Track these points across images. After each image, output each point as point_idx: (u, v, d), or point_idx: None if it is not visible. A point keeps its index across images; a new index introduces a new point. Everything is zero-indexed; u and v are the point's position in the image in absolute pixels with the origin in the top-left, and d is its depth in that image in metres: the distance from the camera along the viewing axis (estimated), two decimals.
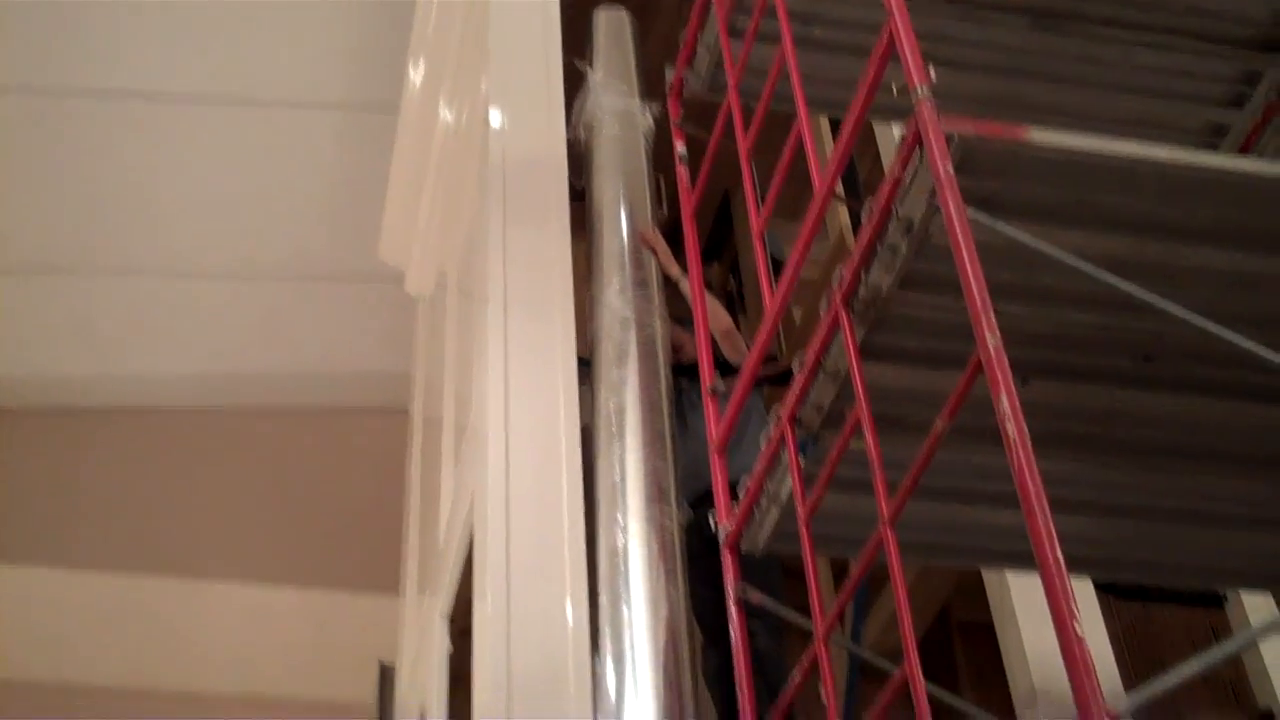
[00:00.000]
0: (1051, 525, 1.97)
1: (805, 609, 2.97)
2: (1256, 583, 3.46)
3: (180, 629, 7.94)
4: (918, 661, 2.36)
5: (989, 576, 3.79)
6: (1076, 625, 1.90)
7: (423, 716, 5.03)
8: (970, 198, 2.41)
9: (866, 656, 4.18)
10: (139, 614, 7.91)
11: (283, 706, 7.82)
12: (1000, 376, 2.17)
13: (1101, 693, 1.84)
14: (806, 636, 2.91)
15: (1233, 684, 4.81)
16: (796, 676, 2.92)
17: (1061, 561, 1.94)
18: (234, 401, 8.32)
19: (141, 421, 8.22)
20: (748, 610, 3.32)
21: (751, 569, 3.39)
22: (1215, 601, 4.29)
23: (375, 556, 7.16)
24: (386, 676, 6.15)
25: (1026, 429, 2.12)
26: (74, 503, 8.02)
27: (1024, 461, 2.06)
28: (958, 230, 2.35)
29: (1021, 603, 3.61)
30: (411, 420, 6.85)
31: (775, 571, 4.20)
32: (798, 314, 5.93)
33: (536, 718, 3.63)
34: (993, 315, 2.26)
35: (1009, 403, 2.15)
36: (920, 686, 2.33)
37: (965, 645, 5.37)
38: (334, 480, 8.07)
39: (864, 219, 2.67)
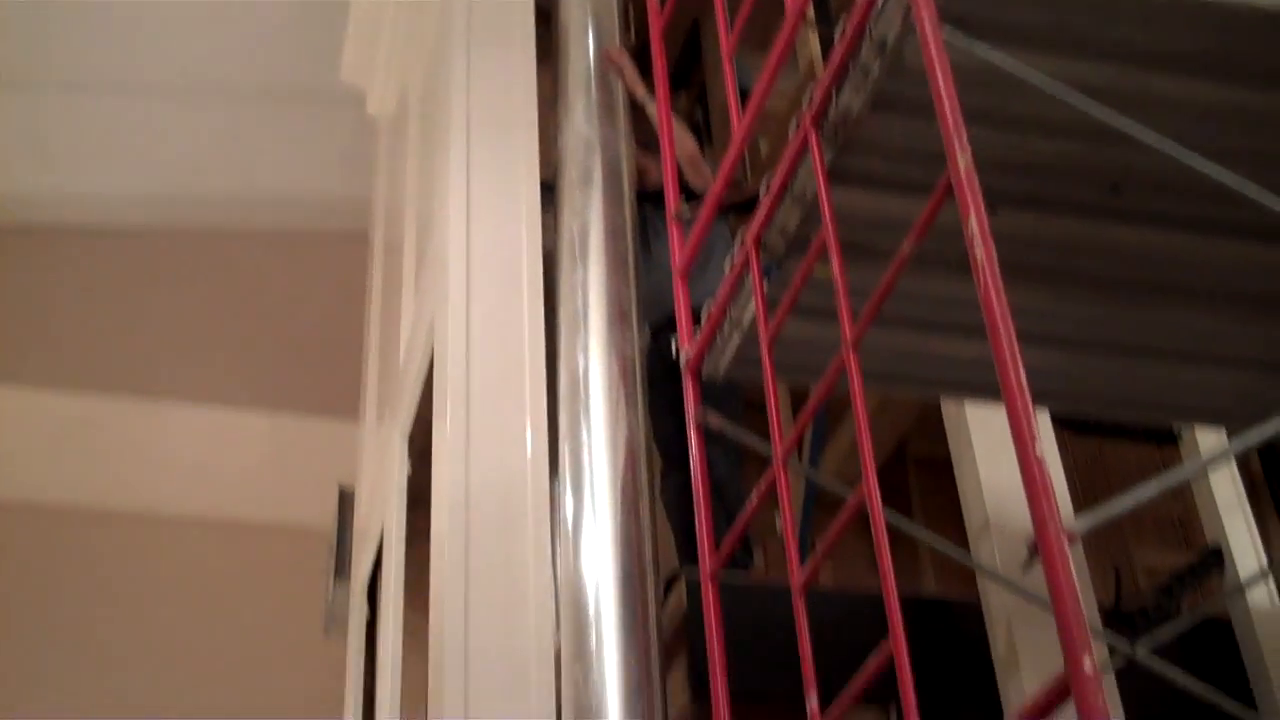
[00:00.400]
0: (1015, 344, 1.96)
1: (765, 439, 2.98)
2: (1211, 418, 3.48)
3: (139, 450, 7.95)
4: (876, 483, 2.37)
5: (948, 409, 3.81)
6: (1037, 446, 1.90)
7: (382, 538, 5.07)
8: (946, 17, 2.36)
9: (823, 483, 4.21)
10: (97, 434, 7.90)
11: (242, 529, 7.87)
12: (970, 197, 2.14)
13: (1058, 513, 1.85)
14: (765, 465, 2.93)
15: (1181, 522, 4.89)
16: (754, 499, 2.94)
17: (1024, 381, 1.94)
18: (194, 223, 8.23)
19: (100, 241, 8.13)
20: (707, 437, 3.33)
21: (712, 398, 3.39)
22: (1169, 438, 4.34)
23: (336, 380, 7.15)
24: (346, 500, 6.18)
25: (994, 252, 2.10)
26: (30, 321, 7.95)
27: (990, 283, 2.05)
28: (932, 50, 2.31)
29: (979, 435, 3.64)
30: (372, 244, 6.80)
31: (736, 402, 4.20)
32: (764, 147, 5.87)
33: (495, 539, 3.67)
34: (965, 136, 2.22)
35: (978, 225, 2.12)
36: (877, 507, 2.34)
37: (921, 480, 5.42)
38: (295, 304, 8.03)
39: (837, 39, 2.61)
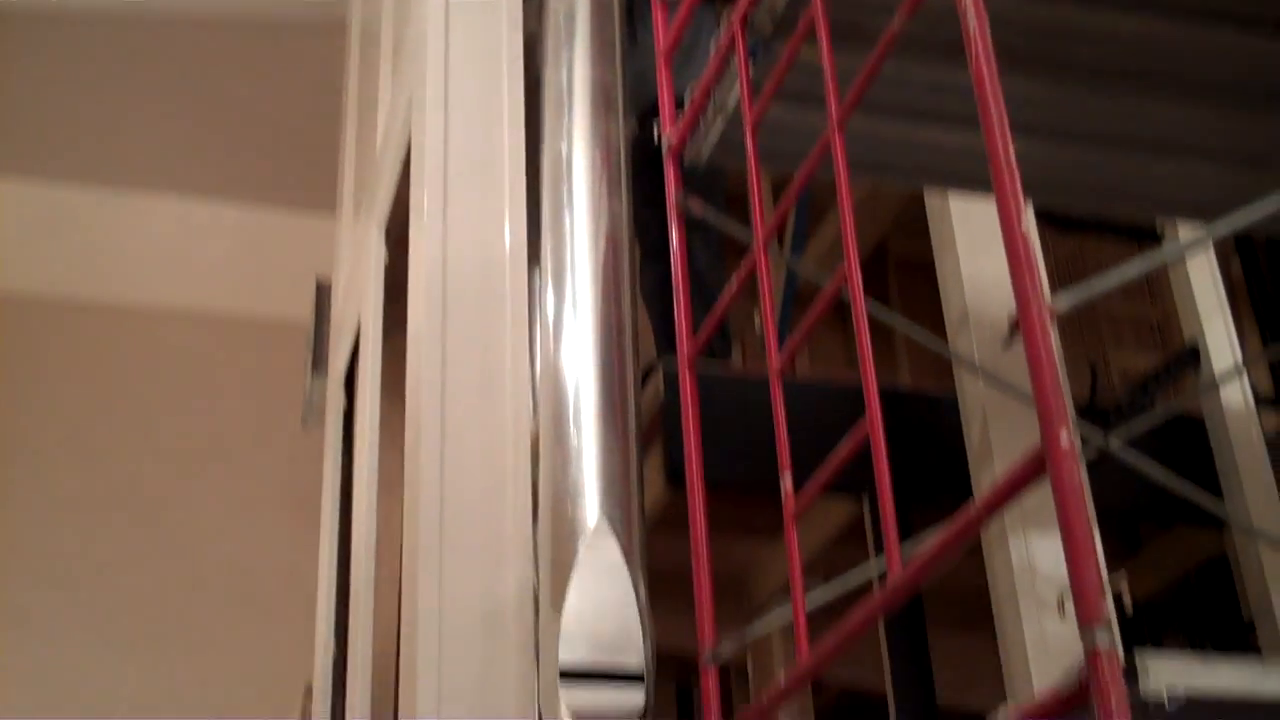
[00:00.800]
0: (1004, 115, 1.93)
1: (747, 228, 2.95)
2: (1194, 213, 3.46)
3: (116, 241, 7.90)
4: (857, 264, 2.35)
5: (930, 201, 3.78)
6: (1023, 221, 1.88)
7: (359, 330, 5.06)
8: None
9: (804, 273, 4.20)
10: (72, 225, 7.84)
11: (219, 322, 7.87)
12: None
13: (1041, 285, 1.84)
14: (744, 254, 2.90)
15: (1159, 326, 4.90)
16: (734, 283, 2.92)
17: (1012, 153, 1.90)
18: (169, 9, 8.04)
19: (71, 27, 7.94)
20: (688, 227, 3.30)
21: (694, 187, 3.35)
22: (1151, 236, 4.32)
23: (313, 174, 7.09)
24: (323, 293, 6.17)
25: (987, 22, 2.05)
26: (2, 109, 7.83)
27: (981, 53, 2.00)
28: None
29: (961, 228, 3.61)
30: (349, 31, 6.66)
31: (718, 195, 4.16)
32: None
33: (472, 328, 3.66)
34: None
35: None
36: (858, 287, 2.33)
37: (900, 282, 5.42)
38: (272, 94, 7.90)
39: None
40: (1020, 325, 1.84)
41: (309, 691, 5.80)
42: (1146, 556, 4.12)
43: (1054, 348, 1.82)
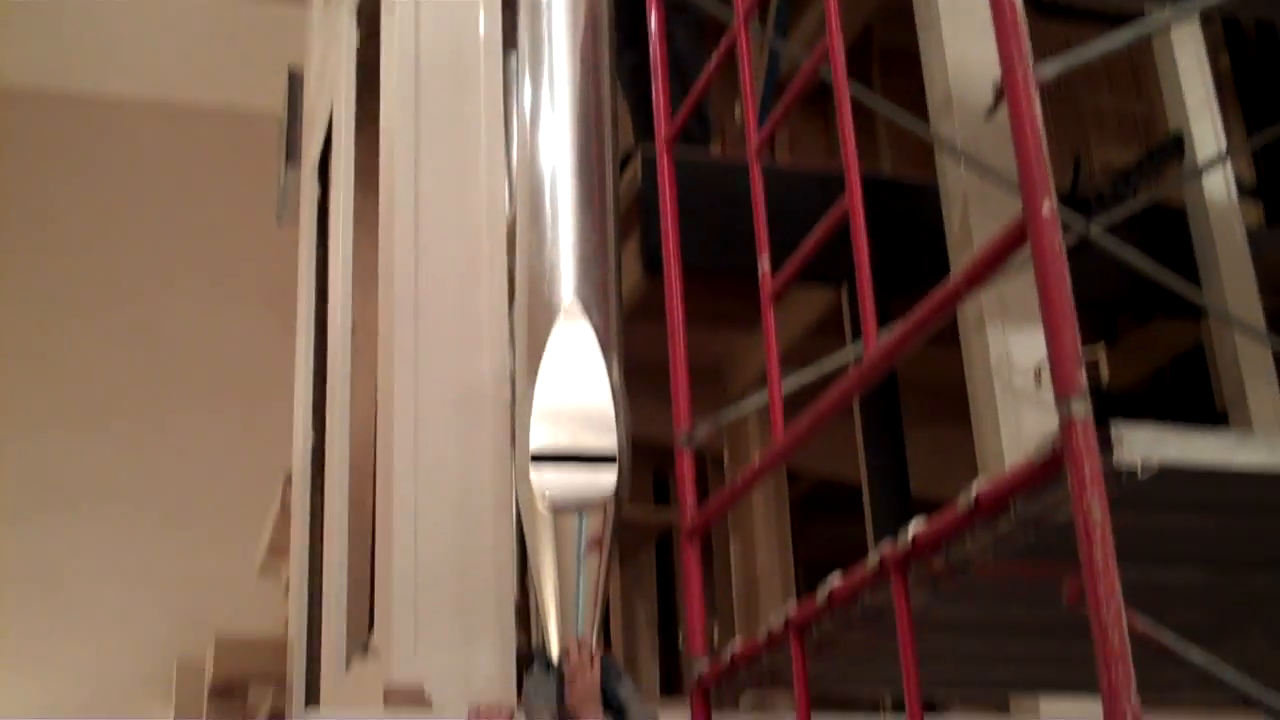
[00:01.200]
0: None
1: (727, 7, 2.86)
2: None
3: (84, 31, 7.72)
4: (840, 38, 2.29)
5: None
6: None
7: (331, 118, 4.98)
8: None
9: (786, 54, 4.13)
10: (38, 15, 7.66)
11: (191, 113, 7.74)
12: None
13: (1027, 54, 1.78)
14: (729, 44, 2.82)
15: (1144, 121, 4.85)
16: (712, 62, 2.85)
17: None
18: None
19: None
20: (667, 9, 3.20)
21: None
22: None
23: None
24: (295, 82, 6.07)
25: None
26: None
27: None
28: None
29: (947, 8, 3.53)
30: None
31: None
32: None
33: (446, 112, 3.60)
34: None
35: None
36: (840, 64, 2.27)
37: (884, 73, 5.32)
38: None
39: None
40: (1005, 91, 1.79)
41: (288, 480, 5.85)
42: (1124, 348, 4.11)
43: (1037, 116, 1.77)
